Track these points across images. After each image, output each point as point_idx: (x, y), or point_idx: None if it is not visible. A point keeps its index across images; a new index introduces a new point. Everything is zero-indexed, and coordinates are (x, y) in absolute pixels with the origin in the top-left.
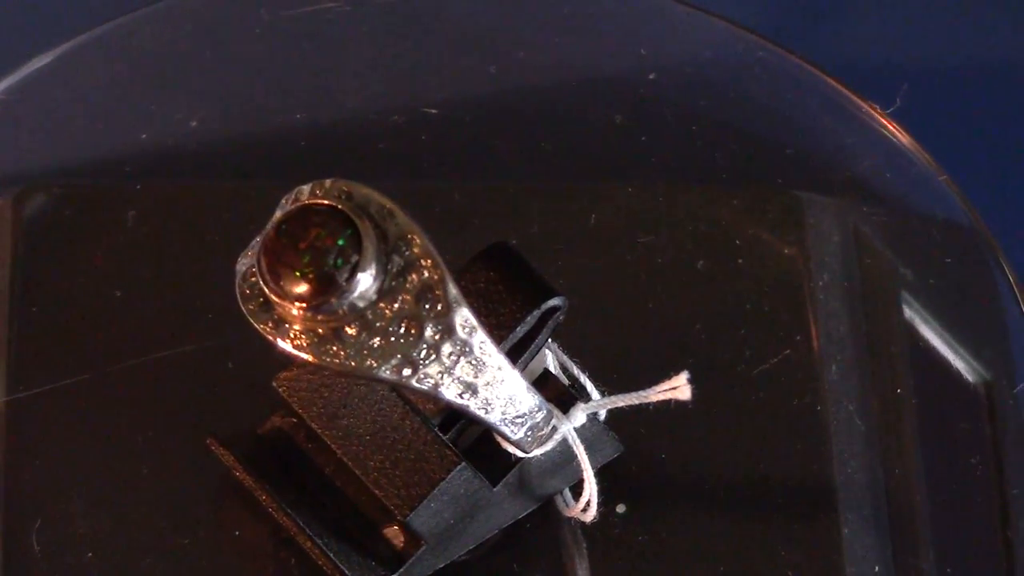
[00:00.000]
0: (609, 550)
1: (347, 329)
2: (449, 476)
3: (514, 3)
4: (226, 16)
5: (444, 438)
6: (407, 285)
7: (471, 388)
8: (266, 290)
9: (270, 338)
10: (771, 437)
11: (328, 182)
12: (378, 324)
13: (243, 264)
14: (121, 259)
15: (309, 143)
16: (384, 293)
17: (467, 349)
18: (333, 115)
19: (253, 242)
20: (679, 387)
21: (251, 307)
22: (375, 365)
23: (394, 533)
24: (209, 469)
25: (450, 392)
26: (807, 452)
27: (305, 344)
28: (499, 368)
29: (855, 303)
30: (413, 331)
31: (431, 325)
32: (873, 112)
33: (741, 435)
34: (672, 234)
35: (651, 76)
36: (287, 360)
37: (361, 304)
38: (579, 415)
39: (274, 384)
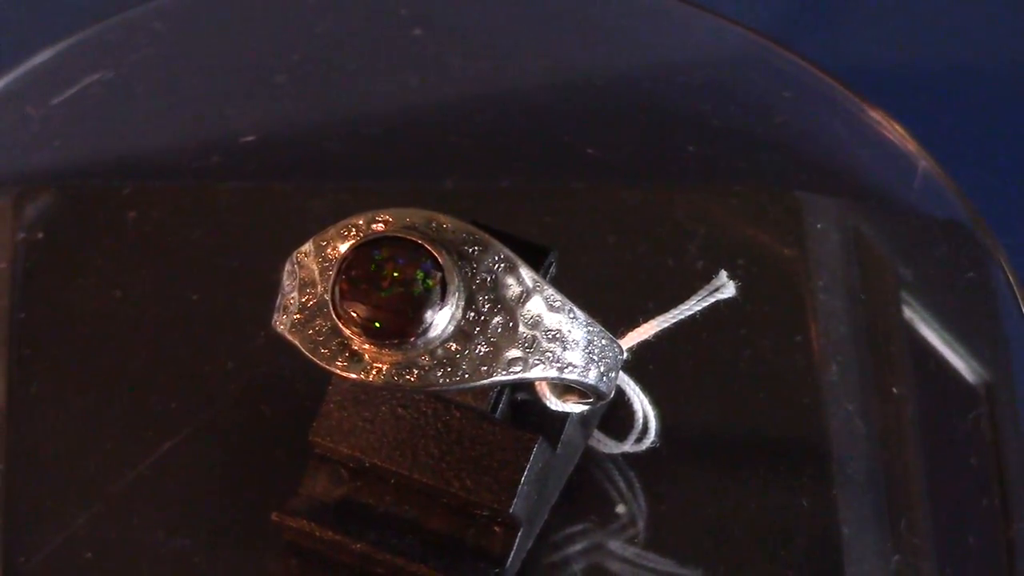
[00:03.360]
0: (609, 550)
1: (449, 347)
2: (533, 455)
3: (515, 3)
4: (223, 15)
5: (503, 422)
6: (488, 284)
7: (573, 356)
8: (357, 341)
9: (374, 383)
10: (771, 437)
11: (359, 218)
12: (476, 330)
13: (299, 328)
14: (121, 259)
15: (309, 144)
16: (470, 300)
17: (562, 322)
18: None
19: (279, 303)
20: (721, 286)
21: (341, 364)
22: (489, 371)
23: (485, 534)
24: (210, 469)
25: (556, 369)
26: (807, 452)
27: (414, 378)
28: (588, 330)
29: (855, 303)
30: (510, 324)
31: (523, 311)
32: (873, 112)
33: (741, 435)
34: (672, 234)
35: (651, 76)
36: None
37: (458, 317)
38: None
39: (313, 439)
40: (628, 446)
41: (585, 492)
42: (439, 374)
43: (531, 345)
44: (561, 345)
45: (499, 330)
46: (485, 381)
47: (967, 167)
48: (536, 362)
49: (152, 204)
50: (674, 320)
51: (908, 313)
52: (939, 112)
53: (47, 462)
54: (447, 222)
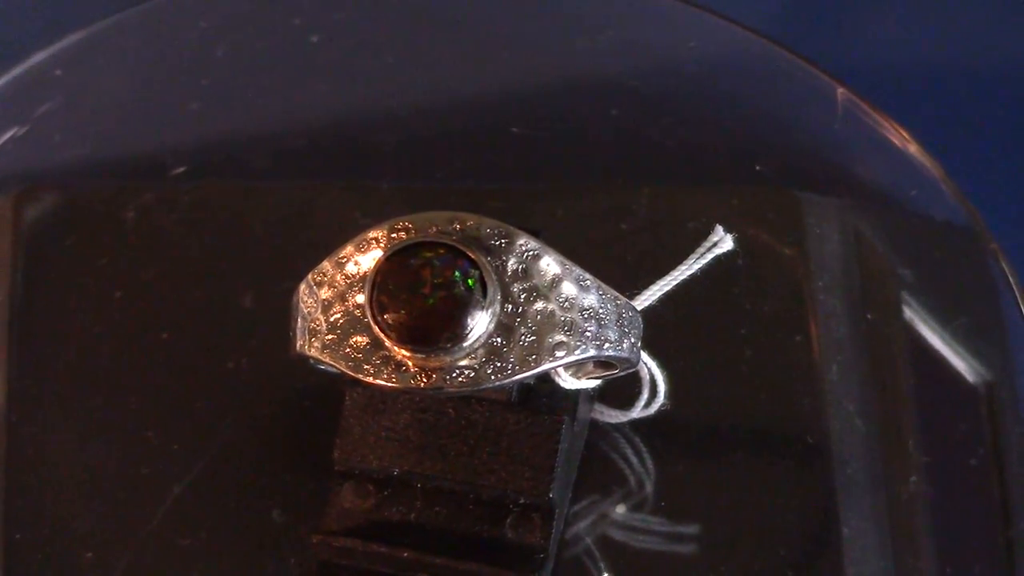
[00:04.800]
0: (609, 551)
1: (494, 343)
2: (561, 437)
3: (515, 3)
4: (232, 13)
5: (525, 409)
6: (520, 274)
7: (610, 332)
8: (402, 351)
9: (426, 391)
10: (771, 437)
11: (376, 231)
12: (516, 322)
13: (333, 348)
14: (121, 259)
15: (308, 143)
16: (506, 292)
17: (594, 300)
18: (333, 116)
19: (301, 327)
20: (719, 240)
21: (387, 377)
22: (538, 359)
23: (523, 522)
24: (207, 468)
25: (596, 347)
26: (807, 452)
27: (466, 379)
28: (616, 303)
29: (855, 303)
30: (548, 310)
31: (558, 295)
32: (874, 112)
33: (740, 435)
34: (672, 234)
35: (651, 76)
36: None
37: (497, 312)
38: None
39: (338, 458)
40: (637, 412)
41: (591, 466)
42: (489, 371)
43: (571, 327)
44: (597, 323)
45: (539, 317)
46: (535, 370)
47: (967, 167)
48: (578, 343)
49: (152, 204)
50: (676, 282)
51: (908, 313)
52: (939, 112)
53: (47, 461)
54: (469, 219)
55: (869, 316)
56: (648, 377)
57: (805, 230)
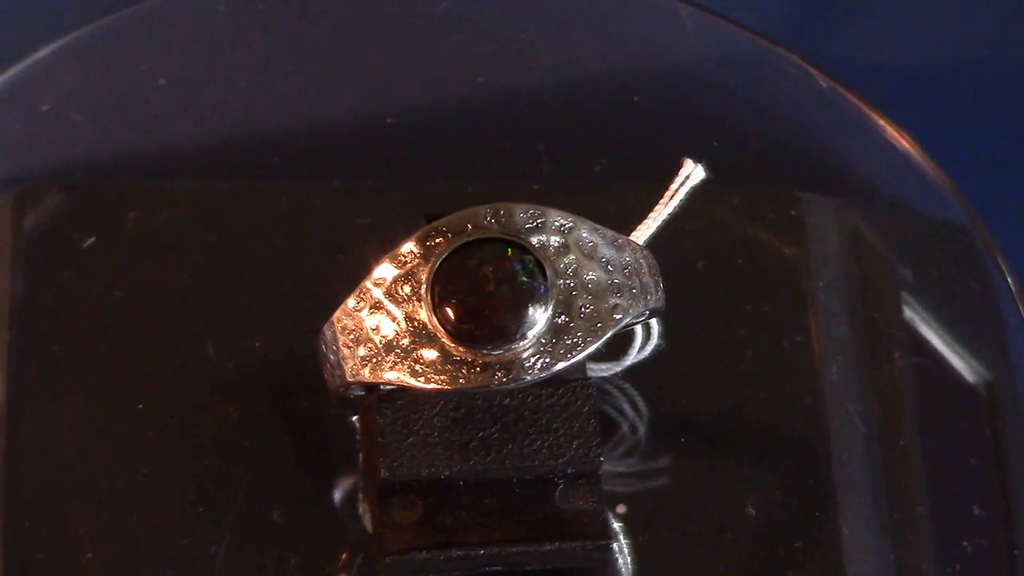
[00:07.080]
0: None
1: (559, 321)
2: (592, 399)
3: (514, 2)
4: (226, 13)
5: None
6: (562, 248)
7: (648, 283)
8: (475, 353)
9: (506, 388)
10: (771, 437)
11: (408, 242)
12: (573, 295)
13: (399, 366)
14: (121, 260)
15: (309, 143)
16: (557, 270)
17: (627, 256)
18: (331, 116)
19: (345, 356)
20: (690, 173)
21: (464, 382)
22: (604, 327)
23: (573, 491)
24: (207, 467)
25: (644, 301)
26: (807, 452)
27: (543, 366)
28: (643, 253)
29: (855, 303)
30: (597, 277)
31: (600, 261)
32: (873, 112)
33: (740, 436)
34: (672, 234)
35: (650, 75)
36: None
37: (556, 291)
38: None
39: (387, 477)
40: (632, 357)
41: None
42: (561, 351)
43: (620, 289)
44: (637, 277)
45: (590, 286)
46: (603, 338)
47: (967, 167)
48: (629, 302)
49: (152, 204)
50: (658, 224)
51: (908, 313)
52: (939, 112)
53: (47, 462)
54: (501, 208)
55: (869, 316)
56: (640, 333)
57: (805, 230)
